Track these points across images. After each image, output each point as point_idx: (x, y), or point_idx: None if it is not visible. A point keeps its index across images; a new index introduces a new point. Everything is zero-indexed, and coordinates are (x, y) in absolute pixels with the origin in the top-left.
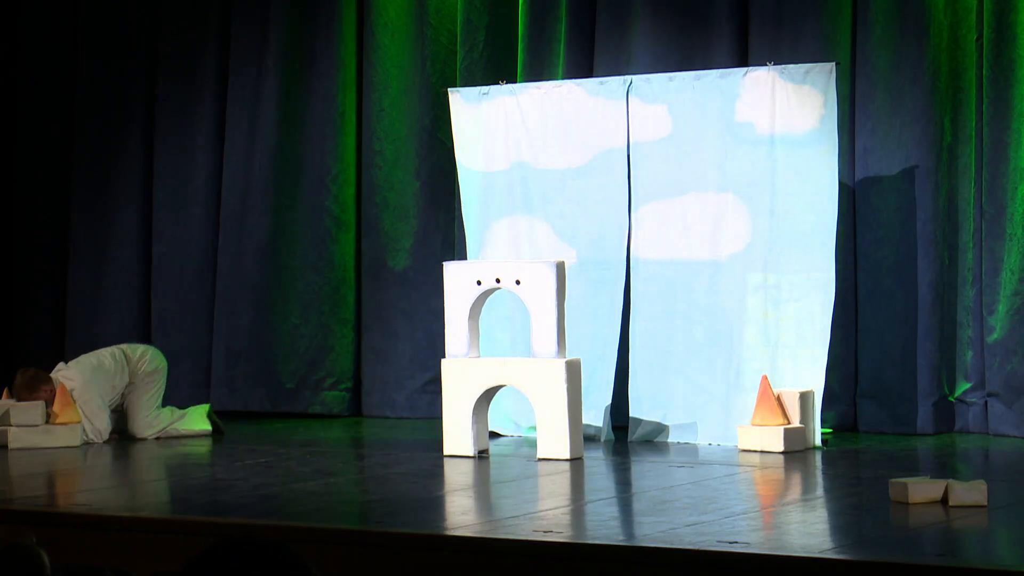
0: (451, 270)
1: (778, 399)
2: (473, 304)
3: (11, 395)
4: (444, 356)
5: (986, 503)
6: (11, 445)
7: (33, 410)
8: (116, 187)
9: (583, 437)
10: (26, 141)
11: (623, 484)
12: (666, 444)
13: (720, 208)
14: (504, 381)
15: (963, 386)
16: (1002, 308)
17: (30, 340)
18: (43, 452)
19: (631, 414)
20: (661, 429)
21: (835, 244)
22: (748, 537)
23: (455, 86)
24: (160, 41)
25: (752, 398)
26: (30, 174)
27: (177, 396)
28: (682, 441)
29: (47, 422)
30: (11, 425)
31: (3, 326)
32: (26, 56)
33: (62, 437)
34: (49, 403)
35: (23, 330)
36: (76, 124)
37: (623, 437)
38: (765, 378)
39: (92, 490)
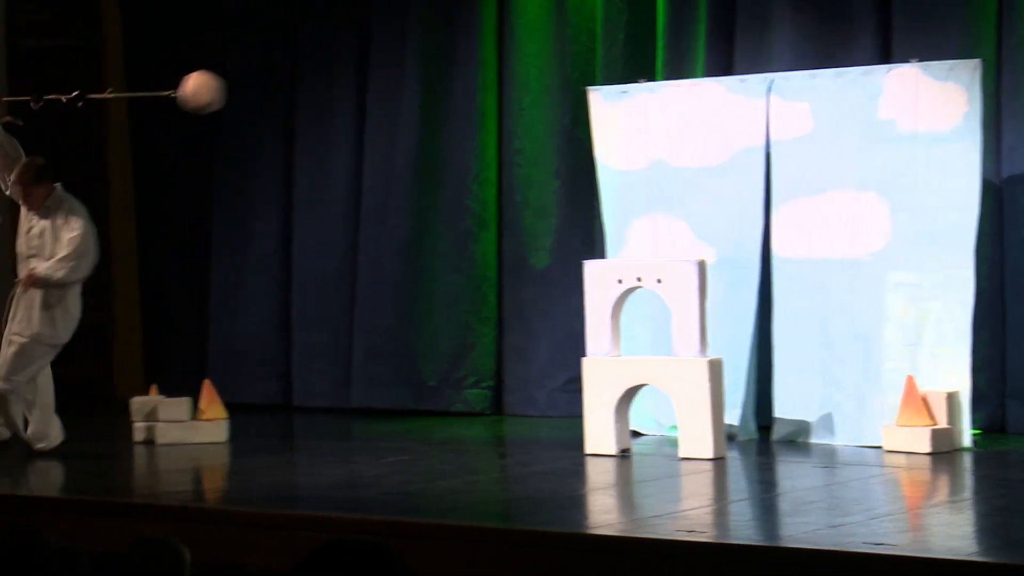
0: (592, 269)
1: (924, 400)
2: (614, 303)
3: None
4: (585, 355)
5: None
6: (158, 441)
7: (180, 406)
8: (256, 185)
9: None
10: (169, 140)
11: (766, 484)
12: (807, 444)
13: (860, 206)
14: (645, 380)
15: None
16: None
17: (173, 337)
18: (189, 447)
19: (774, 414)
20: (803, 429)
21: (976, 242)
22: (894, 539)
23: (595, 84)
24: (300, 39)
25: (892, 398)
26: (172, 172)
27: (318, 393)
28: (821, 441)
29: (194, 418)
30: (158, 421)
31: (147, 324)
32: (169, 55)
33: (208, 433)
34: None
35: (166, 327)
36: (219, 123)
37: (766, 437)
38: (911, 378)
39: (236, 486)
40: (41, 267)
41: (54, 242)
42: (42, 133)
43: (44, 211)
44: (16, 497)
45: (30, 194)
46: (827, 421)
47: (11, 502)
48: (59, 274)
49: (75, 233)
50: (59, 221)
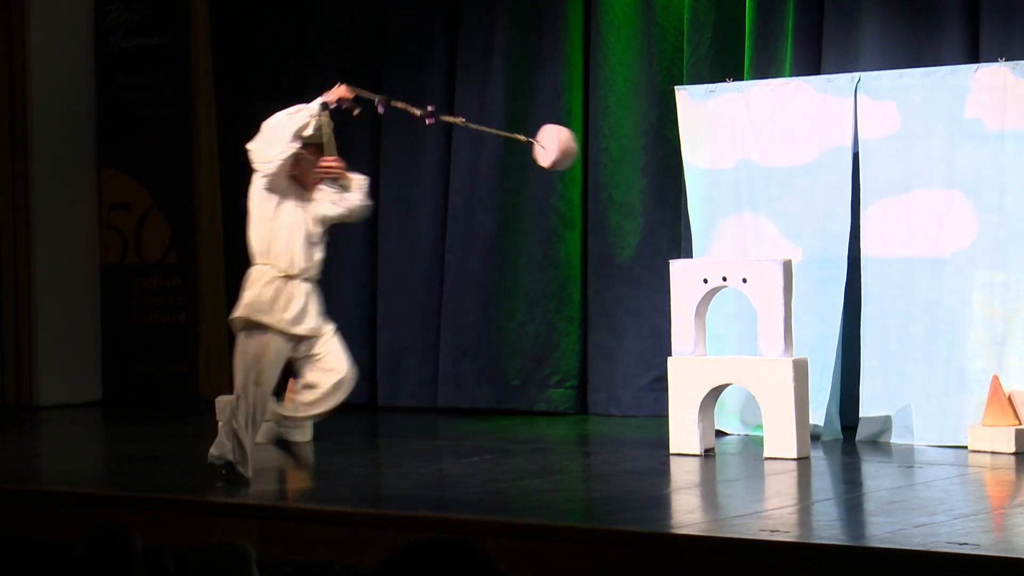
0: (678, 268)
1: (1009, 399)
2: (700, 302)
3: None
4: (670, 354)
5: None
6: None
7: None
8: None
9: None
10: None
11: (851, 484)
12: (892, 444)
13: (945, 205)
14: (730, 380)
15: None
16: None
17: None
18: (273, 447)
19: (860, 413)
20: (888, 429)
21: None
22: (978, 539)
23: (681, 83)
24: (388, 39)
25: (976, 398)
26: None
27: (404, 392)
28: (905, 441)
29: None
30: None
31: None
32: (257, 53)
33: (292, 432)
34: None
35: None
36: None
37: (850, 437)
38: (996, 378)
39: (321, 485)
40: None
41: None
42: (132, 130)
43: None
44: (104, 496)
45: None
46: (912, 421)
47: (99, 501)
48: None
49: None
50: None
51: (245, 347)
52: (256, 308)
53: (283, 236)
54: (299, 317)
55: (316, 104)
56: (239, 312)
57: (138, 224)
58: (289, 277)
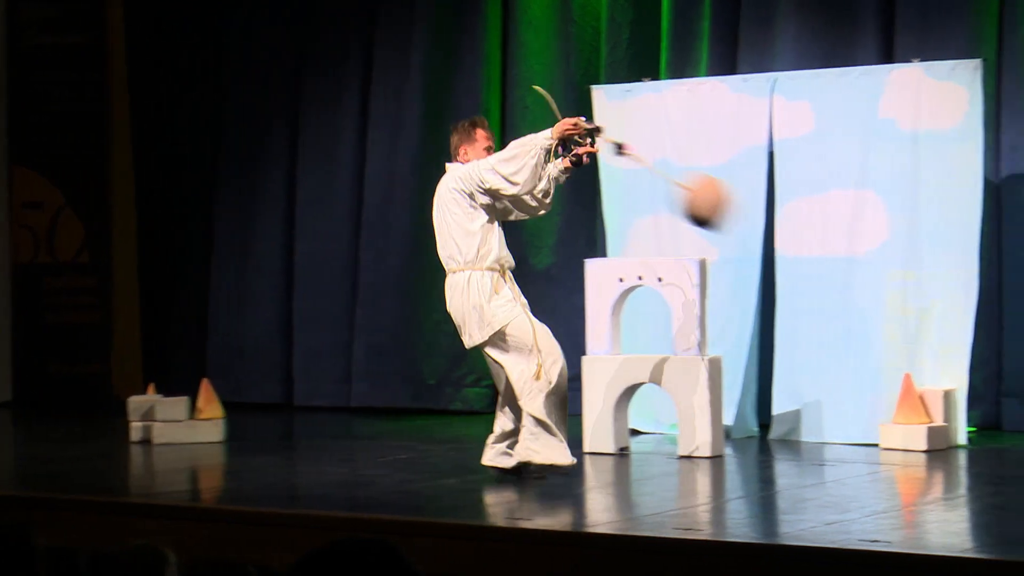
0: (593, 268)
1: (920, 397)
2: (615, 301)
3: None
4: (585, 353)
5: None
6: (155, 440)
7: (177, 405)
8: (259, 183)
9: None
10: (172, 138)
11: (764, 482)
12: (805, 442)
13: (859, 204)
14: (645, 378)
15: None
16: None
17: (173, 337)
18: (186, 447)
19: (774, 412)
20: (801, 427)
21: (980, 242)
22: (889, 536)
23: (599, 83)
24: (305, 37)
25: (890, 396)
26: (175, 170)
27: (320, 391)
28: (818, 439)
29: (191, 417)
30: (155, 420)
31: (147, 323)
32: (173, 52)
33: (206, 432)
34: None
35: (166, 327)
36: (221, 121)
37: (765, 435)
38: (908, 376)
39: (234, 485)
40: None
41: None
42: (44, 128)
43: None
44: (11, 497)
45: None
46: (825, 419)
47: (6, 502)
48: None
49: None
50: None
51: (512, 344)
52: (502, 316)
53: (495, 239)
54: (526, 304)
55: (548, 140)
56: (496, 326)
57: (51, 223)
58: (501, 274)
